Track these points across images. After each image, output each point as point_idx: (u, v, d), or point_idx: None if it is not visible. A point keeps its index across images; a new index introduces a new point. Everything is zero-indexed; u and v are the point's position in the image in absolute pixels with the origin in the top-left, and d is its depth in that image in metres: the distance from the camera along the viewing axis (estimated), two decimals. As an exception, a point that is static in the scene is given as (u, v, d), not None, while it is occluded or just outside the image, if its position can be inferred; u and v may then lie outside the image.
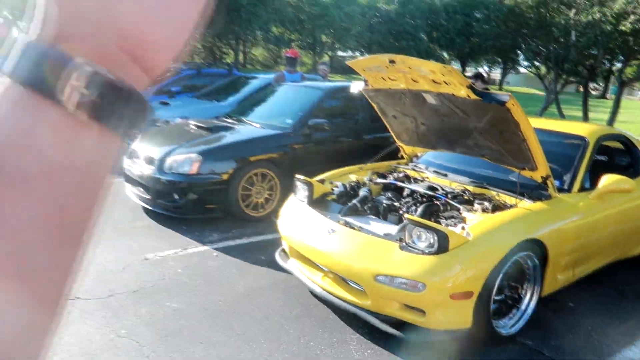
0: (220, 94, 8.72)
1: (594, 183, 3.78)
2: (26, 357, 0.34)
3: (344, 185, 4.01)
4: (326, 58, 45.94)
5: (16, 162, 0.33)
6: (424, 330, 2.92)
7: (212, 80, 9.98)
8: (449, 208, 3.53)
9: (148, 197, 5.04)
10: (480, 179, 3.92)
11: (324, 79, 8.81)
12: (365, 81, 4.01)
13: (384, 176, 4.26)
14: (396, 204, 3.71)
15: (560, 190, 3.65)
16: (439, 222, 3.25)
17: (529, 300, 3.34)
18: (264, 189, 5.27)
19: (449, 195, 3.68)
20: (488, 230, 3.04)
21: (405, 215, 3.35)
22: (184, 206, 4.91)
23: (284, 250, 3.85)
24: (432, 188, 3.85)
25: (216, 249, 4.49)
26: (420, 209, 3.46)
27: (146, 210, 5.27)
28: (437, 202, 3.57)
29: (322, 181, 4.08)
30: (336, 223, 3.39)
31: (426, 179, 4.15)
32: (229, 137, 5.44)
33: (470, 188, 3.82)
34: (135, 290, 3.63)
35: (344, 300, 3.14)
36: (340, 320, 3.33)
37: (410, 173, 4.31)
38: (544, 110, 13.89)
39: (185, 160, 4.91)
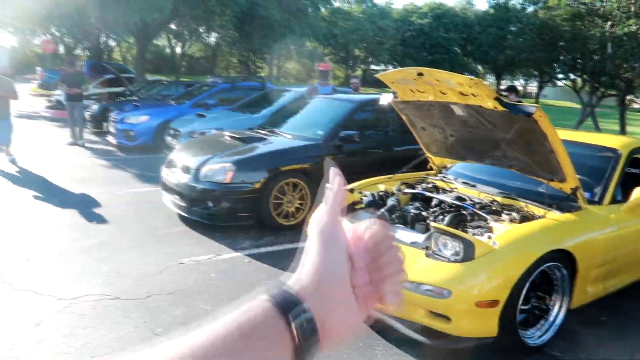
0: (253, 106, 8.97)
1: (626, 196, 3.74)
2: None
3: (372, 194, 4.10)
4: (359, 72, 46.21)
5: None
6: (450, 337, 2.96)
7: (246, 94, 10.29)
8: (476, 218, 3.57)
9: (184, 204, 5.25)
10: (509, 190, 3.94)
11: (355, 92, 8.95)
12: (394, 93, 4.10)
13: (412, 186, 4.32)
14: (424, 213, 3.77)
15: (591, 202, 3.64)
16: (465, 232, 3.29)
17: (558, 312, 3.33)
18: (295, 198, 5.41)
19: (477, 206, 3.71)
20: (515, 239, 3.07)
21: (432, 223, 3.41)
22: (218, 214, 5.09)
23: (313, 257, 3.94)
24: (460, 198, 3.89)
25: (248, 255, 4.64)
26: (447, 218, 3.51)
27: (182, 218, 5.49)
28: (465, 212, 3.61)
29: (351, 190, 4.18)
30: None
31: (454, 190, 4.19)
32: (261, 148, 5.62)
33: (499, 199, 3.85)
34: (171, 292, 3.80)
35: (371, 306, 3.21)
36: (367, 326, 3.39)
37: (439, 184, 4.36)
38: (580, 123, 13.60)
39: (219, 170, 5.11)
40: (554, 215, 3.41)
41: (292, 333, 0.47)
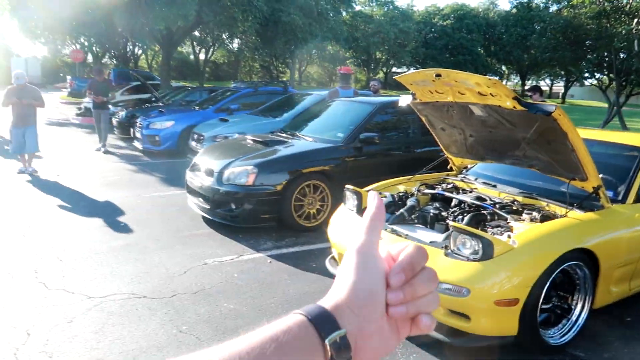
0: (275, 110, 9.08)
1: (651, 195, 3.68)
2: None
3: (392, 195, 4.13)
4: (381, 75, 46.14)
5: None
6: (470, 336, 2.97)
7: (268, 98, 10.41)
8: (496, 218, 3.57)
9: (207, 207, 5.37)
10: (530, 190, 3.93)
11: (374, 94, 8.99)
12: (414, 95, 4.13)
13: (432, 187, 4.34)
14: (443, 213, 3.78)
15: (614, 201, 3.59)
16: (485, 231, 3.29)
17: (580, 311, 3.30)
18: (316, 200, 5.48)
19: (497, 206, 3.71)
20: (534, 238, 3.06)
21: (451, 222, 3.43)
22: (241, 215, 5.20)
23: (333, 258, 4.01)
24: (480, 198, 3.89)
25: (270, 256, 4.72)
26: (466, 218, 3.52)
27: (206, 220, 5.62)
28: (484, 212, 3.61)
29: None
30: (383, 231, 3.50)
31: (474, 190, 4.19)
32: (282, 151, 5.71)
33: (520, 198, 3.83)
34: (195, 292, 3.90)
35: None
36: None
37: (459, 184, 4.37)
38: (607, 122, 13.32)
39: (242, 172, 5.21)
40: (576, 214, 3.39)
41: (326, 348, 0.47)
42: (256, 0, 20.05)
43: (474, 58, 44.39)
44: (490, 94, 3.41)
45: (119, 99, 14.69)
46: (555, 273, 3.04)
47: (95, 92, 10.15)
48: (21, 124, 7.68)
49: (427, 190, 4.25)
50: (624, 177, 3.81)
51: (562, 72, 33.97)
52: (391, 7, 46.14)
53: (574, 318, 3.29)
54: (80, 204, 6.30)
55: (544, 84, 52.36)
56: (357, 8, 41.95)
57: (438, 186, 4.36)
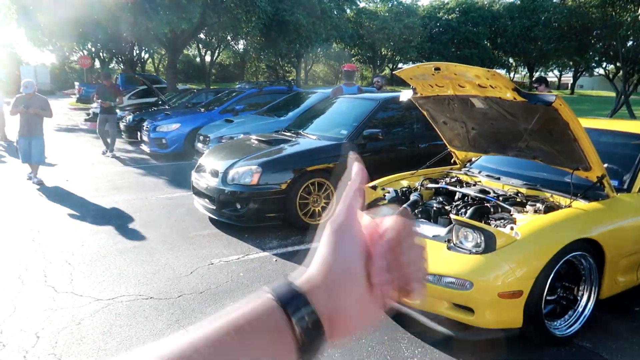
0: (280, 109, 9.10)
1: (657, 183, 3.64)
2: None
3: (395, 190, 4.13)
4: (387, 71, 45.97)
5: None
6: (474, 329, 2.97)
7: (273, 97, 10.44)
8: (499, 210, 3.55)
9: (213, 207, 5.41)
10: (534, 181, 3.90)
11: (378, 90, 8.97)
12: (414, 89, 4.12)
13: (435, 181, 4.33)
14: (447, 207, 3.78)
15: (619, 190, 3.56)
16: (488, 224, 3.28)
17: (587, 302, 3.27)
18: (321, 198, 5.48)
19: (500, 198, 3.69)
20: (537, 229, 3.04)
21: (453, 216, 3.42)
22: (246, 215, 5.22)
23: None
24: (483, 191, 3.87)
25: (275, 254, 4.74)
26: (469, 211, 3.51)
27: (212, 220, 5.65)
28: (488, 205, 3.60)
29: (374, 187, 4.22)
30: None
31: (478, 183, 4.17)
32: (286, 149, 5.73)
33: (523, 190, 3.81)
34: (202, 292, 3.93)
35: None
36: (392, 319, 3.43)
37: (463, 178, 4.35)
38: (615, 112, 13.16)
39: (246, 172, 5.24)
40: (580, 204, 3.36)
41: (294, 327, 0.46)
42: (259, 0, 20.08)
43: (480, 51, 44.09)
44: (490, 85, 3.40)
45: (126, 103, 14.82)
46: (559, 264, 3.02)
47: (102, 97, 10.24)
48: (27, 133, 7.75)
49: (430, 185, 4.24)
50: (629, 166, 3.77)
51: (570, 63, 33.62)
52: (395, 2, 45.95)
53: (580, 309, 3.27)
54: (89, 208, 6.37)
55: (553, 75, 51.87)
56: (361, 5, 41.83)
57: (441, 180, 4.35)
